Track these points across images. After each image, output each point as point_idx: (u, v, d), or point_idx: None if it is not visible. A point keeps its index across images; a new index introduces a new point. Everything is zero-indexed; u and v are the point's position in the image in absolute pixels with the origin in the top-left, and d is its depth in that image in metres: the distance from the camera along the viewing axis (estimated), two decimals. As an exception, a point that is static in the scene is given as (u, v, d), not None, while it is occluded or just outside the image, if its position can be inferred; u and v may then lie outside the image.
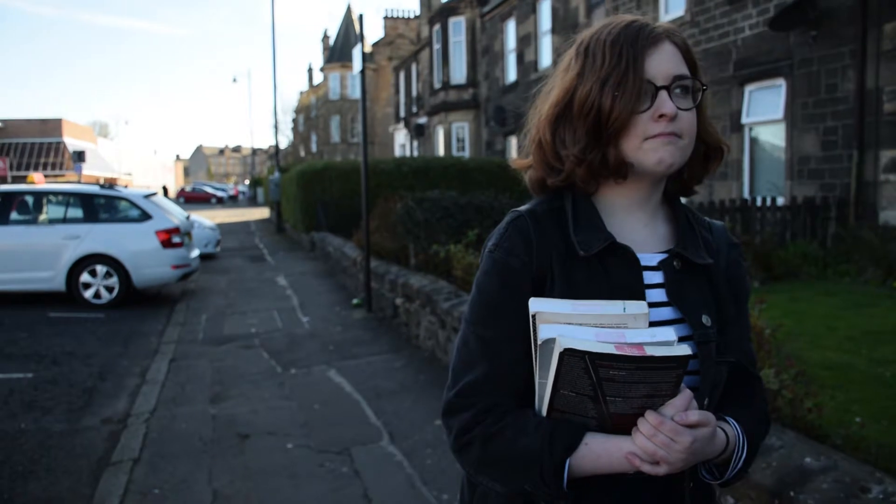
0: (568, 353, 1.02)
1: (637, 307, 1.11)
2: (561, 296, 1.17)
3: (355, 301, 9.50)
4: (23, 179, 31.11)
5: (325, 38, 65.91)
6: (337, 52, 57.92)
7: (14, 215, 10.06)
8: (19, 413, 5.46)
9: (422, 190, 11.91)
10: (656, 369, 1.03)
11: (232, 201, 62.22)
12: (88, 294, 9.85)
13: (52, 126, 40.34)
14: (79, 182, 22.94)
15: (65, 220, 10.06)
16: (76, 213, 10.14)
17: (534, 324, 1.10)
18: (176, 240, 10.09)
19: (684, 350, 1.04)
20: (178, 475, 4.25)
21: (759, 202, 10.71)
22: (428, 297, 6.62)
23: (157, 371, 6.58)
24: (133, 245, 9.91)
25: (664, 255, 1.27)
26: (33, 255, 9.76)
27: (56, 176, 37.15)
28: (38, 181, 19.04)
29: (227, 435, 4.89)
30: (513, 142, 23.10)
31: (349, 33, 58.22)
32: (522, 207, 1.30)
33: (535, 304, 1.11)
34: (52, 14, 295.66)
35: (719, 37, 13.10)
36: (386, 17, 54.12)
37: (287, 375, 6.36)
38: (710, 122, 1.31)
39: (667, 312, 1.23)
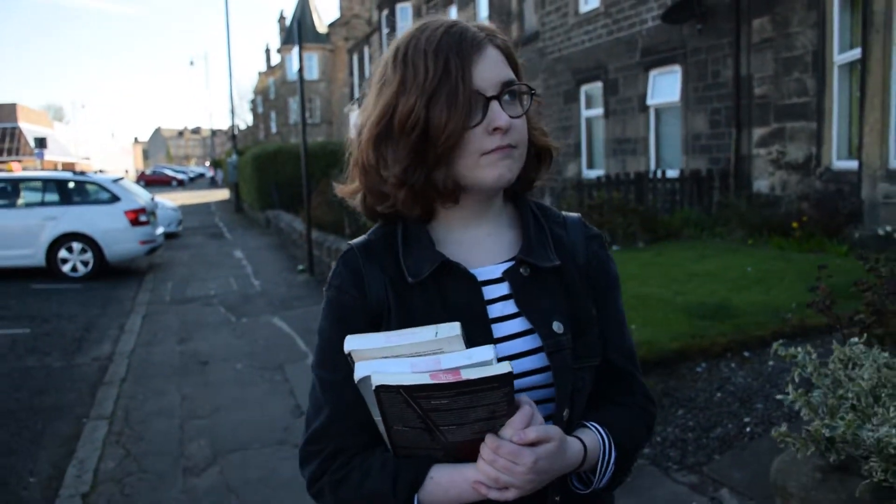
0: (382, 390, 0.97)
1: (449, 329, 1.04)
2: (399, 328, 1.09)
3: (300, 267, 11.04)
4: (-23, 166, 31.76)
5: (282, 18, 66.34)
6: (293, 34, 58.09)
7: (-4, 200, 11.35)
8: (25, 356, 6.89)
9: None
10: (479, 391, 0.97)
11: (210, 182, 61.34)
12: (66, 268, 11.22)
13: (7, 111, 40.31)
14: (41, 168, 23.92)
15: (42, 204, 11.41)
16: (52, 197, 11.48)
17: (351, 363, 1.04)
18: (143, 219, 11.47)
19: (504, 368, 0.97)
20: (155, 387, 5.76)
21: (650, 175, 12.38)
22: (354, 259, 8.17)
23: (133, 324, 8.04)
24: (105, 224, 11.27)
25: (510, 264, 1.20)
26: (15, 235, 11.09)
27: (13, 161, 37.75)
28: (16, 169, 20.15)
29: (191, 362, 6.41)
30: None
31: (305, 14, 58.72)
32: (355, 240, 1.25)
33: (350, 343, 1.04)
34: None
35: (629, 27, 14.66)
36: (342, -2, 54.81)
37: (239, 323, 7.89)
38: (537, 124, 1.25)
39: (517, 324, 1.17)
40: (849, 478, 2.12)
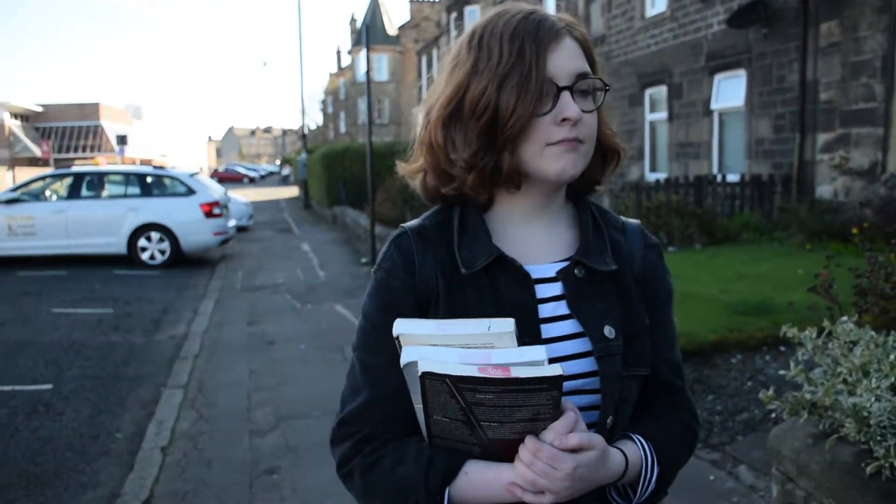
0: (428, 377, 0.95)
1: (503, 325, 1.02)
2: (447, 316, 1.09)
3: (364, 260, 11.50)
4: (64, 162, 33.36)
5: (353, 21, 67.52)
6: (363, 36, 58.99)
7: (84, 191, 12.15)
8: (109, 332, 7.47)
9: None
10: (526, 391, 0.95)
11: (281, 180, 62.66)
12: (145, 256, 11.92)
13: (90, 110, 42.13)
14: (122, 163, 25.08)
15: (125, 196, 12.15)
16: (134, 189, 12.22)
17: (399, 346, 1.02)
18: (216, 211, 12.10)
19: (555, 370, 0.95)
20: (225, 362, 6.24)
21: (710, 178, 12.43)
22: (413, 252, 8.56)
23: (206, 308, 8.59)
24: (181, 216, 11.93)
25: (565, 264, 1.18)
26: (100, 224, 11.84)
27: (94, 158, 39.40)
28: (102, 164, 21.29)
29: (259, 342, 6.88)
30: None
31: (376, 17, 59.67)
32: (409, 223, 1.22)
33: (399, 326, 1.03)
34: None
35: (694, 31, 14.70)
36: (412, 1, 55.56)
37: (304, 309, 8.36)
38: (608, 123, 1.23)
39: (568, 326, 1.14)
40: (836, 443, 2.35)
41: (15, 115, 38.05)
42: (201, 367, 6.10)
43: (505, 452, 1.04)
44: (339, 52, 76.28)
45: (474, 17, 28.40)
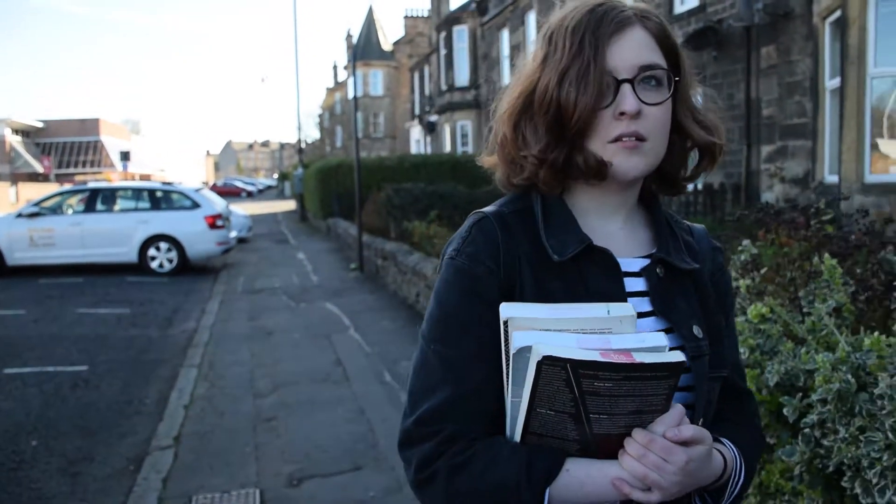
0: (547, 362, 0.90)
1: (623, 309, 1.00)
2: None
3: (353, 266, 12.74)
4: (65, 177, 34.42)
5: (349, 37, 68.86)
6: (359, 51, 60.20)
7: (98, 205, 13.38)
8: (129, 327, 8.68)
9: (422, 181, 15.06)
10: (647, 379, 0.92)
11: (278, 193, 63.83)
12: (154, 265, 13.14)
13: (90, 125, 42.92)
14: (125, 179, 26.29)
15: (136, 209, 13.39)
16: (144, 203, 13.46)
17: (505, 332, 0.97)
18: (219, 223, 13.34)
19: (678, 357, 0.93)
20: (230, 348, 7.45)
21: (667, 188, 13.70)
22: (393, 256, 9.80)
23: (212, 307, 9.81)
24: (187, 227, 13.16)
25: (646, 261, 1.15)
26: (113, 236, 13.07)
27: (95, 173, 39.67)
28: (114, 179, 22.57)
29: (259, 333, 8.10)
30: (507, 138, 26.12)
31: (371, 33, 60.92)
32: (486, 208, 1.16)
33: (507, 310, 0.98)
34: (85, 13, 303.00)
35: (657, 52, 15.98)
36: (406, 17, 56.75)
37: (298, 307, 9.59)
38: (699, 115, 1.18)
39: (651, 323, 1.11)
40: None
41: (15, 131, 38.76)
42: (211, 352, 7.31)
43: (605, 450, 0.99)
44: (335, 68, 77.65)
45: (462, 36, 29.76)
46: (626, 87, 1.05)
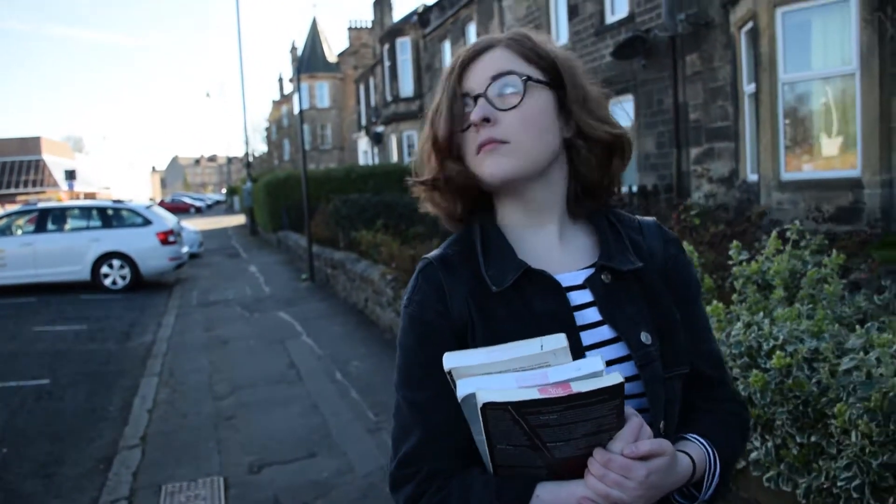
0: (489, 407, 0.93)
1: (555, 342, 1.01)
2: (484, 341, 1.08)
3: (303, 276, 13.12)
4: (6, 198, 33.71)
5: (294, 49, 68.85)
6: (305, 64, 60.19)
7: (49, 225, 13.52)
8: (87, 342, 8.94)
9: (369, 191, 15.51)
10: (589, 405, 0.93)
11: (227, 209, 63.45)
12: (108, 282, 13.32)
13: (32, 144, 41.64)
14: (71, 199, 26.13)
15: (88, 228, 13.56)
16: (95, 222, 13.64)
17: (452, 381, 1.01)
18: (171, 239, 13.59)
19: (615, 379, 0.94)
20: (189, 357, 7.80)
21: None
22: (342, 264, 10.24)
23: (168, 320, 10.10)
24: (139, 244, 13.38)
25: (590, 271, 1.17)
26: (65, 254, 13.22)
27: (38, 193, 39.15)
28: (64, 199, 22.56)
29: (215, 342, 8.46)
30: (453, 146, 26.70)
31: (315, 45, 61.01)
32: (432, 253, 1.22)
33: (449, 360, 1.02)
34: (21, 28, 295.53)
35: (591, 60, 16.68)
36: (350, 28, 56.90)
37: (252, 317, 9.96)
38: (595, 113, 1.20)
39: (604, 332, 1.14)
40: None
41: (-50, 152, 37.81)
42: (170, 361, 7.65)
43: (572, 470, 1.02)
44: (281, 80, 77.54)
45: (406, 48, 30.28)
46: (480, 101, 1.11)
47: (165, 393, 6.42)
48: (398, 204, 12.22)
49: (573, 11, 17.08)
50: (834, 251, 3.21)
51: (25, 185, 40.35)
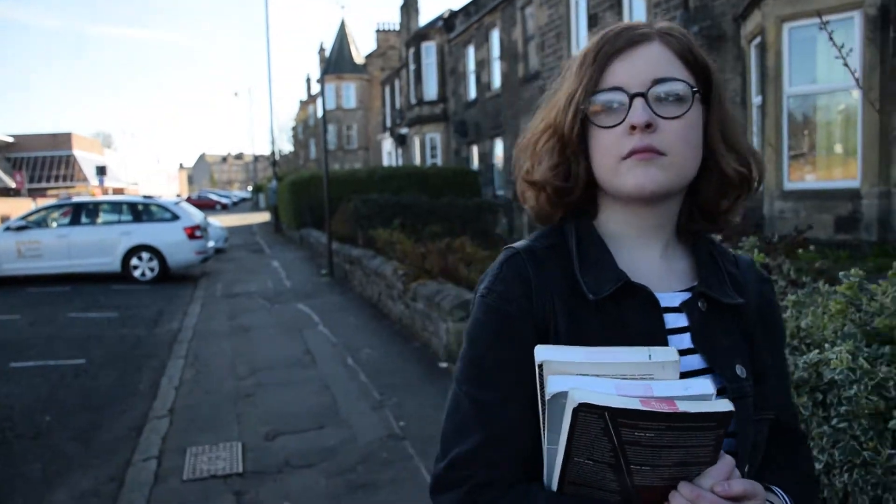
0: (583, 410, 0.86)
1: (665, 354, 0.95)
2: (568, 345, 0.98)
3: (323, 271, 13.72)
4: (38, 192, 34.71)
5: (322, 50, 69.72)
6: (332, 64, 60.76)
7: (83, 219, 14.22)
8: (118, 328, 9.55)
9: (391, 192, 16.09)
10: (691, 429, 0.87)
11: (253, 206, 64.30)
12: (137, 273, 14.00)
13: (62, 140, 42.73)
14: (103, 194, 26.99)
15: (119, 222, 14.25)
16: (126, 216, 14.32)
17: (541, 375, 0.94)
18: (198, 233, 14.23)
19: (726, 406, 0.87)
20: (212, 342, 8.38)
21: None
22: (359, 260, 10.79)
23: (194, 310, 10.71)
24: (167, 238, 14.04)
25: (687, 295, 1.09)
26: (98, 246, 13.91)
27: (69, 187, 39.72)
28: (97, 194, 23.42)
29: (238, 329, 9.04)
30: (475, 150, 27.21)
31: (343, 46, 61.72)
32: (518, 243, 1.12)
33: (543, 353, 0.95)
34: (55, 26, 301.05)
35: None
36: (378, 31, 57.65)
37: (273, 308, 10.54)
38: (733, 141, 1.10)
39: (693, 361, 1.06)
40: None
41: (-16, 147, 38.82)
42: (195, 346, 8.22)
43: (648, 501, 0.93)
44: (308, 80, 78.50)
45: (431, 51, 30.85)
46: (638, 101, 1.02)
47: (191, 373, 6.98)
48: (415, 204, 12.77)
49: (593, 21, 17.50)
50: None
51: (56, 179, 41.24)
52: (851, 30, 10.20)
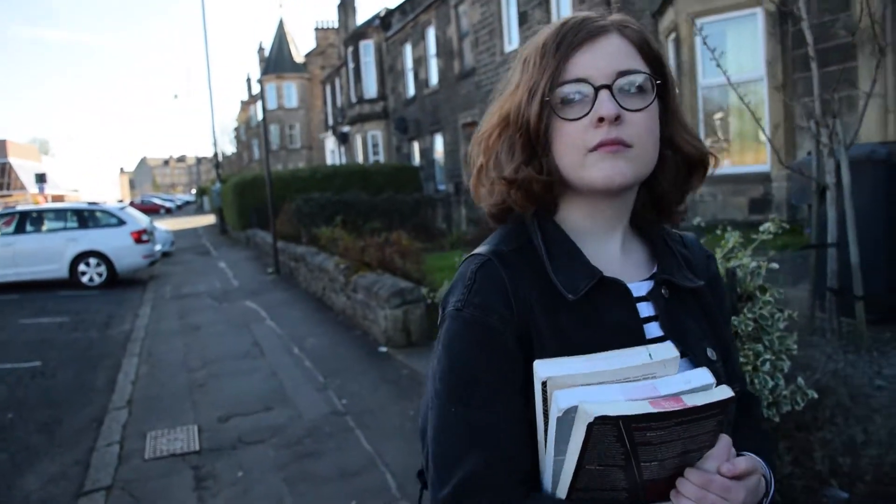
0: (598, 422, 0.85)
1: (664, 351, 0.97)
2: (553, 351, 0.98)
3: (270, 270, 14.15)
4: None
5: (261, 49, 69.26)
6: (272, 64, 60.40)
7: (28, 227, 14.36)
8: (70, 332, 9.86)
9: (334, 190, 16.53)
10: (699, 420, 0.88)
11: (197, 209, 63.96)
12: (85, 279, 14.20)
13: None
14: (44, 200, 26.79)
15: (65, 228, 14.43)
16: (72, 223, 14.51)
17: (544, 392, 0.93)
18: (145, 238, 14.49)
19: (727, 392, 0.91)
20: (165, 340, 8.79)
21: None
22: (303, 257, 11.28)
23: (145, 311, 11.06)
24: (114, 243, 14.28)
25: (650, 283, 1.11)
26: (45, 254, 14.07)
27: (5, 196, 38.97)
28: (41, 202, 23.32)
29: (188, 328, 9.45)
30: (416, 146, 27.75)
31: (282, 45, 61.43)
32: (482, 248, 1.10)
33: (544, 368, 0.93)
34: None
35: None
36: (317, 29, 57.62)
37: (221, 306, 10.96)
38: (686, 126, 1.13)
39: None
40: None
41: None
42: (148, 344, 8.62)
43: (655, 494, 0.95)
44: (248, 81, 78.01)
45: (369, 50, 31.23)
46: (604, 93, 1.01)
47: (146, 369, 7.40)
48: (356, 202, 13.30)
49: (522, 18, 18.16)
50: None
51: (-8, 188, 40.52)
52: (756, 25, 11.06)
